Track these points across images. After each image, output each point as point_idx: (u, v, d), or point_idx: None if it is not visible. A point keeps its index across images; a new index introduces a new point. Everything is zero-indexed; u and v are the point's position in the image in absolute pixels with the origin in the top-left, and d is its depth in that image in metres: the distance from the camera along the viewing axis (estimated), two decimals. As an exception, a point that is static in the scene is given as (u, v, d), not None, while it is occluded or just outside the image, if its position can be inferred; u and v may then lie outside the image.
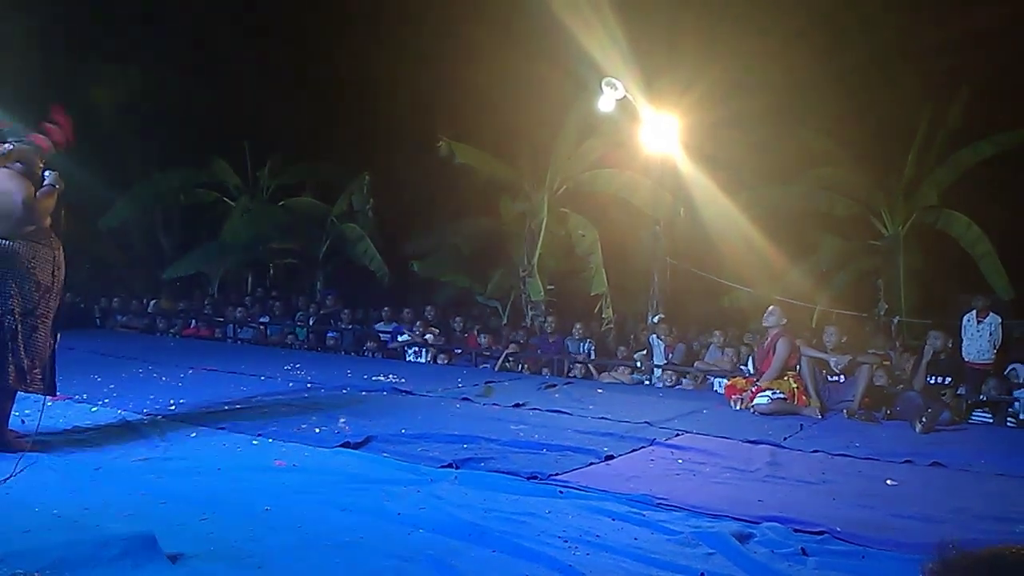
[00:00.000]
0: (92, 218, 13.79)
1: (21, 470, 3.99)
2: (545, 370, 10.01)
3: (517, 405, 6.83)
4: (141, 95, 15.30)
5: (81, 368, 7.56)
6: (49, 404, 5.18)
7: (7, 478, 3.80)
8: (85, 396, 6.31)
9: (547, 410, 6.66)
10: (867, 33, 10.36)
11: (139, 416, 5.70)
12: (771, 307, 7.66)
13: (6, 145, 4.76)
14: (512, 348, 10.30)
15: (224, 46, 14.86)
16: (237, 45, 14.83)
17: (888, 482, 4.59)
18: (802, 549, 3.30)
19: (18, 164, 4.71)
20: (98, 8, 13.88)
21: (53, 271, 4.68)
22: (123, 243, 15.27)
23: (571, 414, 6.50)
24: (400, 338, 11.23)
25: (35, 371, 4.61)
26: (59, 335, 4.81)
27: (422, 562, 3.02)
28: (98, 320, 13.94)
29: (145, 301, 14.38)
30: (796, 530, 3.52)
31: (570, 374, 9.75)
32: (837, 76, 10.21)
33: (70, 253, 4.97)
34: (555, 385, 8.31)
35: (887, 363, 8.07)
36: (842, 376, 7.17)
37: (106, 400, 6.24)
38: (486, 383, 8.14)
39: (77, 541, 3.02)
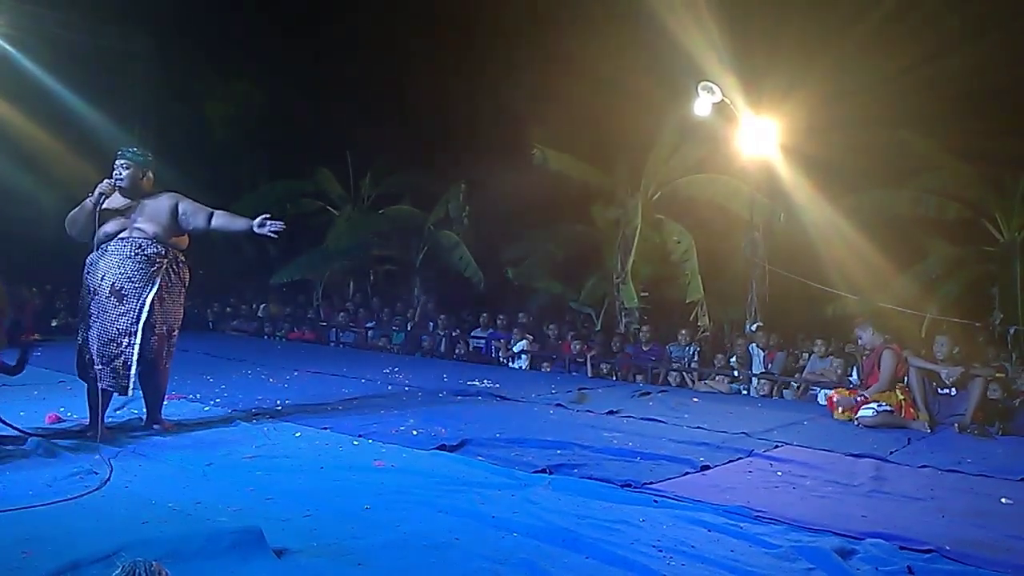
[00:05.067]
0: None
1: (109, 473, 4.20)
2: (639, 377, 9.93)
3: (611, 412, 6.80)
4: (250, 109, 16.03)
5: (194, 369, 7.98)
6: (165, 403, 5.54)
7: (104, 483, 4.01)
8: (198, 396, 6.66)
9: (641, 418, 6.60)
10: (975, 35, 9.86)
11: (247, 415, 5.96)
12: (862, 324, 7.32)
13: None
14: (593, 351, 10.28)
15: (326, 61, 15.41)
16: (338, 59, 15.33)
17: (1003, 501, 4.35)
18: (908, 568, 3.17)
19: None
20: (210, 27, 14.62)
21: (103, 276, 5.01)
22: (234, 251, 15.97)
23: (666, 422, 6.43)
24: (514, 345, 11.34)
25: (97, 367, 4.95)
26: (127, 339, 5.01)
27: (516, 565, 3.05)
28: (211, 324, 14.61)
29: (254, 306, 15.04)
30: (902, 547, 3.38)
31: (666, 380, 9.65)
32: (943, 78, 9.75)
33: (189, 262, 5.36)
34: (649, 393, 8.23)
35: (1002, 375, 7.63)
36: (953, 389, 6.82)
37: (217, 400, 6.56)
38: (580, 389, 8.13)
39: (190, 533, 3.19)
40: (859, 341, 7.30)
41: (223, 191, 15.11)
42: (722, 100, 9.56)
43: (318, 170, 15.90)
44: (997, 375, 7.41)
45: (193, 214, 5.29)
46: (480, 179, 14.31)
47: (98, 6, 12.16)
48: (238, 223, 5.37)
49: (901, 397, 6.77)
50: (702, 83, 9.50)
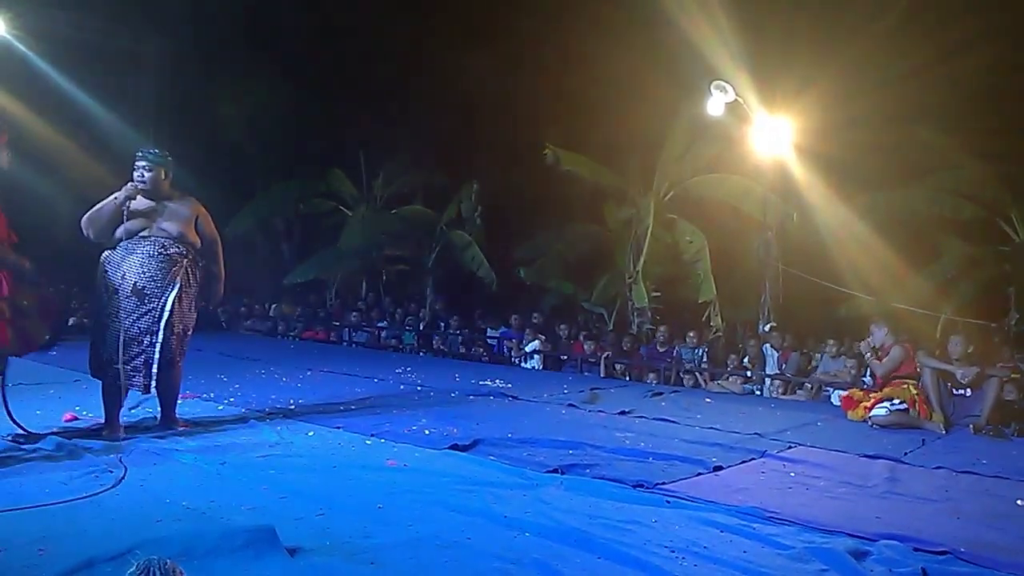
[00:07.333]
0: (218, 227, 14.54)
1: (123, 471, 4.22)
2: (651, 375, 9.90)
3: (623, 412, 6.78)
4: (263, 110, 16.08)
5: (208, 368, 8.02)
6: (180, 402, 5.57)
7: (119, 481, 4.03)
8: (212, 395, 6.69)
9: (653, 418, 6.58)
10: (992, 33, 9.78)
11: (261, 414, 5.99)
12: (875, 324, 7.28)
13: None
14: (606, 351, 10.26)
15: (338, 61, 15.45)
16: (350, 60, 15.37)
17: (1019, 503, 4.31)
18: (923, 569, 3.15)
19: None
20: (223, 29, 14.68)
21: (124, 275, 5.04)
22: (247, 250, 16.03)
23: (678, 423, 6.41)
24: (526, 344, 11.34)
25: (116, 365, 4.97)
26: (148, 338, 5.06)
27: (528, 565, 3.05)
28: (224, 323, 14.67)
29: (267, 306, 15.10)
30: (916, 549, 3.36)
31: (679, 381, 9.63)
32: (959, 76, 9.68)
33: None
34: (662, 393, 8.21)
35: (1018, 376, 7.56)
36: (968, 389, 6.77)
37: (231, 399, 6.59)
38: (592, 389, 8.12)
39: (203, 531, 3.21)
40: (869, 337, 7.25)
41: (237, 191, 15.25)
42: (735, 99, 9.52)
43: (331, 170, 15.95)
44: (1013, 376, 7.34)
45: (202, 235, 5.40)
46: (492, 179, 14.33)
47: (112, 8, 12.23)
48: (214, 276, 5.53)
49: (914, 392, 6.72)
50: (715, 82, 9.47)
